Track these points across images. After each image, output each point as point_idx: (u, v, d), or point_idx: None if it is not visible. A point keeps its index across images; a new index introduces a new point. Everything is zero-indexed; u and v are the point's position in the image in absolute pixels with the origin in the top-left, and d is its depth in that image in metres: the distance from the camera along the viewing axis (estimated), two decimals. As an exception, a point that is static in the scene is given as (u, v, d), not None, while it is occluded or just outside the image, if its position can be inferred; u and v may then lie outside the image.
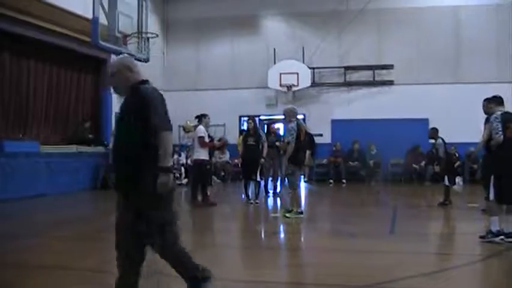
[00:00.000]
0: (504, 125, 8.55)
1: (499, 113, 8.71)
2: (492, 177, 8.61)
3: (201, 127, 13.90)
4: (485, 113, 11.20)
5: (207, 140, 13.86)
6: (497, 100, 9.00)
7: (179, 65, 24.59)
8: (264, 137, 14.95)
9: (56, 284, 6.48)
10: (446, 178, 13.73)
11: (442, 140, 13.86)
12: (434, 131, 14.03)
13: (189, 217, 13.19)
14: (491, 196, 8.58)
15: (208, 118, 14.16)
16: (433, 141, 14.28)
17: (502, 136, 8.48)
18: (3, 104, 16.14)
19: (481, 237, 8.64)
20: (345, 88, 23.25)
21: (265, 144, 14.68)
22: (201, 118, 14.19)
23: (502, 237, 8.39)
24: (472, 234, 9.31)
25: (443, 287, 6.38)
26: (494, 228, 8.50)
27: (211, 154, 15.39)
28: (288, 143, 11.62)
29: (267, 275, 7.04)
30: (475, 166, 19.93)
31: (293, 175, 11.85)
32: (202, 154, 13.80)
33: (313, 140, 17.27)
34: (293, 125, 11.72)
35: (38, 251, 8.47)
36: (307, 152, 13.77)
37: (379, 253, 8.23)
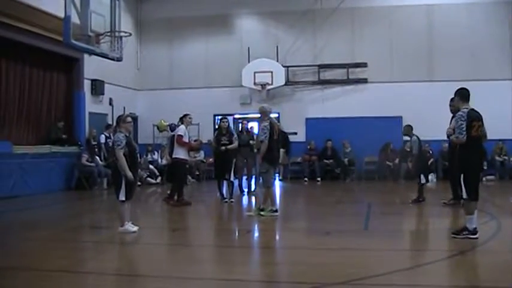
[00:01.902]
0: (469, 123, 8.34)
1: (465, 110, 8.46)
2: (462, 176, 8.54)
3: (182, 126, 13.85)
4: (453, 112, 11.27)
5: (186, 140, 13.78)
6: (462, 94, 8.71)
7: (153, 64, 24.48)
8: (235, 135, 14.91)
9: (25, 285, 6.41)
10: (422, 176, 13.77)
11: (417, 137, 13.92)
12: (409, 128, 14.03)
13: (164, 216, 13.17)
14: (464, 195, 8.54)
15: (190, 118, 14.08)
16: (407, 138, 14.34)
17: (465, 137, 8.30)
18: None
19: (454, 233, 8.69)
20: (319, 86, 23.32)
21: (236, 142, 14.60)
22: (182, 118, 14.16)
23: (477, 235, 8.41)
24: (445, 230, 9.42)
25: (417, 283, 6.43)
26: (471, 226, 8.47)
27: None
28: (262, 141, 11.62)
29: (242, 273, 7.04)
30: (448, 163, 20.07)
31: (267, 173, 11.86)
32: (181, 153, 13.74)
33: (288, 138, 17.29)
34: (266, 123, 11.73)
35: (8, 252, 8.36)
36: (282, 151, 13.78)
37: (354, 250, 8.27)
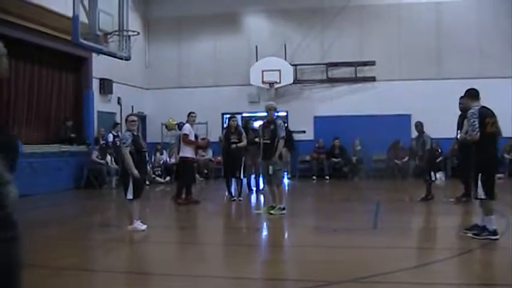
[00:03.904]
0: (482, 121, 8.21)
1: (476, 108, 8.36)
2: (479, 175, 8.35)
3: (187, 125, 13.88)
4: (462, 110, 11.24)
5: (192, 138, 13.80)
6: (471, 94, 8.64)
7: (161, 63, 24.49)
8: (244, 133, 14.92)
9: (35, 283, 6.43)
10: (432, 173, 13.76)
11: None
12: (420, 125, 14.03)
13: (172, 215, 13.19)
14: (480, 194, 8.32)
15: (193, 116, 14.10)
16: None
17: (478, 134, 8.16)
18: (-17, 104, 16.00)
19: (474, 234, 8.45)
20: (327, 85, 23.26)
21: (245, 141, 14.62)
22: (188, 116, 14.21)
23: (497, 236, 8.23)
24: (453, 228, 9.39)
25: (426, 281, 6.42)
26: (491, 227, 8.28)
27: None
28: (282, 138, 11.62)
29: (250, 271, 7.06)
30: (456, 162, 20.00)
31: (280, 171, 11.94)
32: (188, 152, 13.76)
33: (292, 136, 17.30)
34: (280, 121, 11.82)
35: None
36: (284, 149, 13.81)
37: (362, 248, 8.28)
